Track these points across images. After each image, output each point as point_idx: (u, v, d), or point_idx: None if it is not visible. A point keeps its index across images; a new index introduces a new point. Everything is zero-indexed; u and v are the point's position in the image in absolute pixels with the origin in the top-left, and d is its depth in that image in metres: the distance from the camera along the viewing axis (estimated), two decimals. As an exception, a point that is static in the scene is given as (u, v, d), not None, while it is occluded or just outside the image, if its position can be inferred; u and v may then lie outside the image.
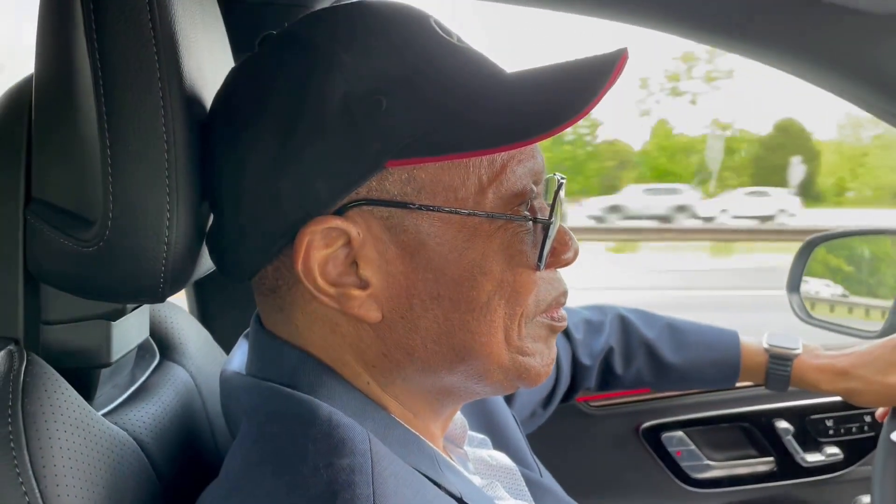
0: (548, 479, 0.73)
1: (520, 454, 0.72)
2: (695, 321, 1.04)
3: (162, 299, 0.52)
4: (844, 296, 1.54)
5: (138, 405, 0.58)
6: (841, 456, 1.20)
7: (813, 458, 1.19)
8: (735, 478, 1.19)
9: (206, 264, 0.57)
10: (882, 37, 0.88)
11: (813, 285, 1.43)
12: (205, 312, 1.03)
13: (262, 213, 0.49)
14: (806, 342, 0.99)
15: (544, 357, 0.54)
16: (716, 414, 1.19)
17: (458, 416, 0.62)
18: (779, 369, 0.97)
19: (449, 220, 0.49)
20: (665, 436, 1.18)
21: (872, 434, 1.18)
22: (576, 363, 0.99)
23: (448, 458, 0.56)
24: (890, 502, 0.89)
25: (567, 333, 0.99)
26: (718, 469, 1.19)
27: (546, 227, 0.51)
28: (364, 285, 0.49)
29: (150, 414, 0.58)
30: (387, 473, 0.45)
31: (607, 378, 1.01)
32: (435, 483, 0.50)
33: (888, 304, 1.37)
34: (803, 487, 1.20)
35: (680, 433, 1.18)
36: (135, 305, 0.60)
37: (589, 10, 0.96)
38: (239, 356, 0.59)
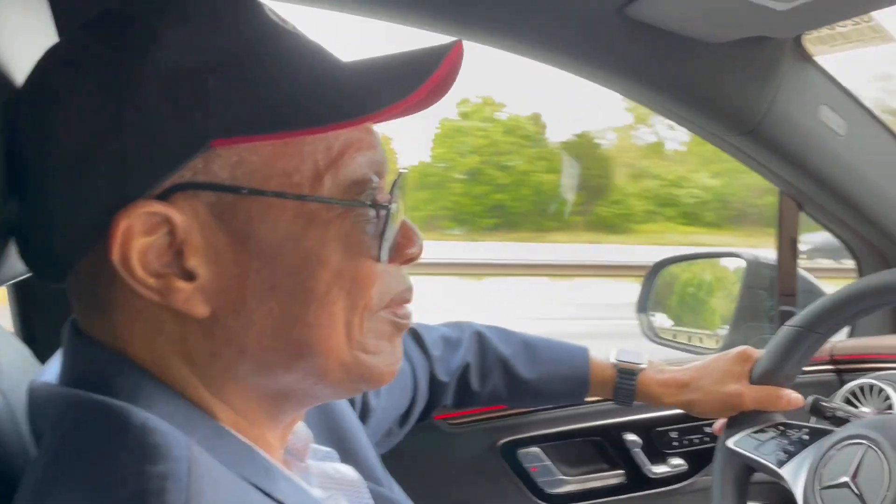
0: (398, 494, 0.71)
1: (370, 469, 0.69)
2: (548, 338, 1.06)
3: None
4: (688, 320, 1.64)
5: None
6: (685, 467, 1.25)
7: (659, 469, 1.24)
8: (588, 491, 1.21)
9: (15, 266, 0.52)
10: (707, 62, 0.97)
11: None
12: (29, 328, 0.93)
13: (75, 199, 0.45)
14: (652, 359, 1.04)
15: (388, 357, 0.53)
16: (569, 428, 1.21)
17: (302, 428, 0.59)
18: (625, 383, 1.00)
19: (283, 207, 0.47)
20: (521, 452, 1.19)
21: (712, 445, 1.24)
22: (433, 380, 0.98)
23: (284, 470, 0.53)
24: None
25: (425, 350, 0.98)
26: (572, 483, 1.21)
27: (386, 214, 0.50)
28: (190, 277, 0.46)
29: None
30: (204, 480, 0.41)
31: (464, 395, 1.01)
32: (267, 495, 0.47)
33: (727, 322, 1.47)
34: (652, 499, 1.24)
35: (535, 449, 1.19)
36: None
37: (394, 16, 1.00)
38: (53, 367, 0.53)
